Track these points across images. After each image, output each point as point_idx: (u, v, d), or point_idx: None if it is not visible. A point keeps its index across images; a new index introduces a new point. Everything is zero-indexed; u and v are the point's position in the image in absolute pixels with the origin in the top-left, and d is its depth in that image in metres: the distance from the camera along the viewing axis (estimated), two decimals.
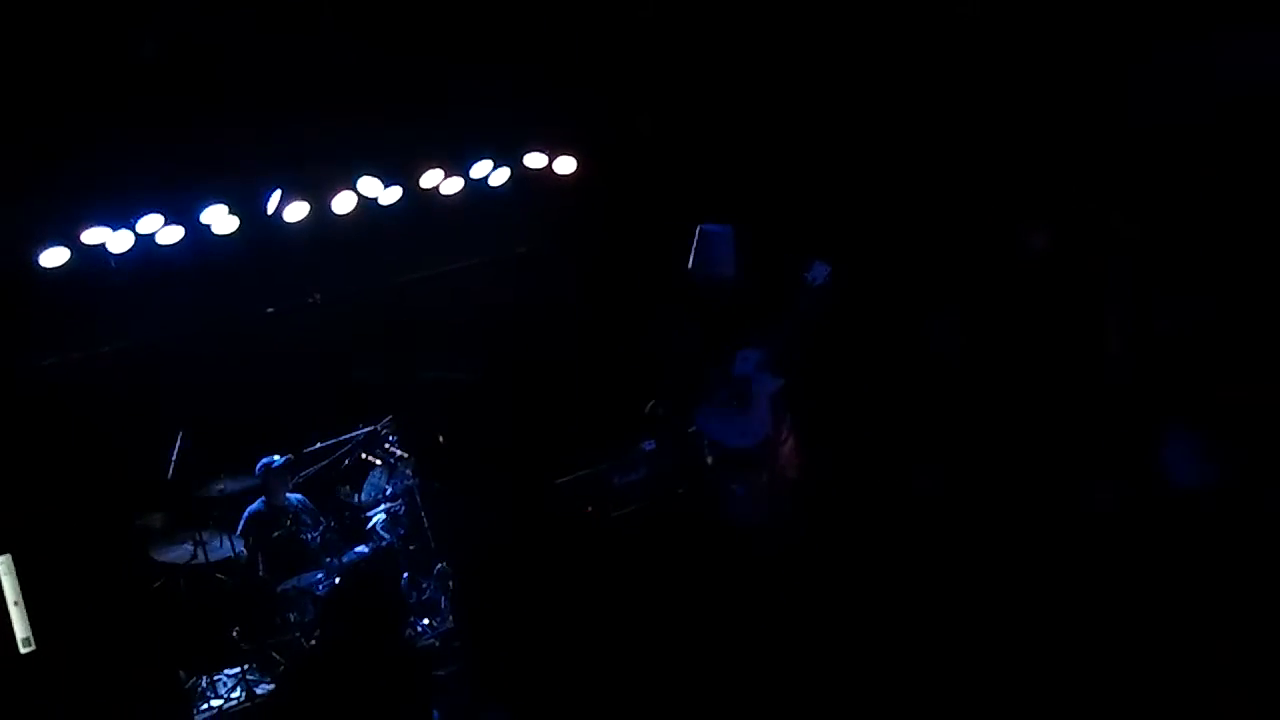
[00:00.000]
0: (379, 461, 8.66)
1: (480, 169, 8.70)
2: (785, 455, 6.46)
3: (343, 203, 8.28)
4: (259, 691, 7.64)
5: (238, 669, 7.86)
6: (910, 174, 8.02)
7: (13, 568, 6.59)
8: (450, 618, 8.08)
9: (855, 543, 6.29)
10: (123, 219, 7.65)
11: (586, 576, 6.72)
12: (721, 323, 6.34)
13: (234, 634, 7.97)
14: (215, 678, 7.95)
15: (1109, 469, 6.23)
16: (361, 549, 8.40)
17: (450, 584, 8.22)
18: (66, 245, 7.55)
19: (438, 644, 7.82)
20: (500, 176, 8.81)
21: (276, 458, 8.46)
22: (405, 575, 8.34)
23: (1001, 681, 4.65)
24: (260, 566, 8.18)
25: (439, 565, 8.43)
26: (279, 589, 8.05)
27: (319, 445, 8.58)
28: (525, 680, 6.00)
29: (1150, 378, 6.46)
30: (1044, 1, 7.32)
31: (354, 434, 8.62)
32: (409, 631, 8.07)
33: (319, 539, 8.26)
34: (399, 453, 8.56)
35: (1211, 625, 4.59)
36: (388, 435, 8.59)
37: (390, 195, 8.45)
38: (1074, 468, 6.43)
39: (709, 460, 6.63)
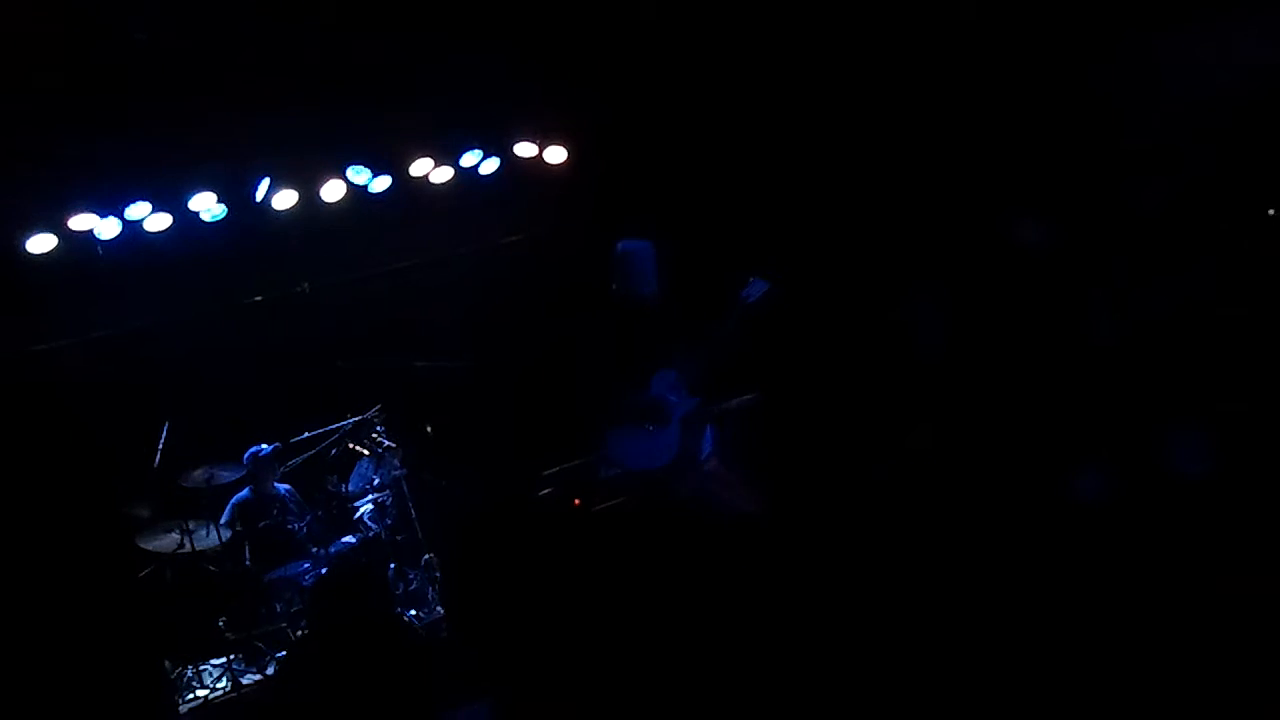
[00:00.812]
0: (367, 451, 8.63)
1: (470, 158, 8.68)
2: (709, 476, 6.35)
3: (332, 191, 8.25)
4: (245, 681, 7.61)
5: (223, 659, 7.83)
6: (892, 166, 8.04)
7: None
8: (438, 608, 8.06)
9: (829, 535, 6.29)
10: (111, 206, 7.63)
11: (573, 568, 6.70)
12: (641, 341, 6.23)
13: (220, 624, 7.94)
14: (201, 667, 7.91)
15: (1099, 459, 6.24)
16: (349, 539, 8.37)
17: (437, 575, 8.21)
18: (54, 232, 7.52)
19: (424, 634, 7.80)
20: (490, 166, 8.79)
21: (264, 447, 8.42)
22: (392, 566, 8.32)
23: (988, 676, 4.64)
24: (247, 556, 8.15)
25: (426, 556, 8.41)
26: (265, 579, 8.02)
27: (306, 435, 8.54)
28: (511, 671, 5.98)
29: (1145, 369, 6.47)
30: None
31: (342, 424, 8.59)
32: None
33: (306, 529, 8.22)
34: (387, 443, 8.53)
35: (1210, 620, 4.59)
36: (376, 425, 8.56)
37: (380, 184, 8.43)
38: (1060, 458, 6.44)
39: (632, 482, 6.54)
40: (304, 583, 7.96)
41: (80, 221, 7.54)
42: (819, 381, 7.84)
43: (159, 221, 7.79)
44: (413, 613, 8.15)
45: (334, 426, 8.60)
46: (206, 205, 7.86)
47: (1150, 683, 4.32)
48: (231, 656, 7.78)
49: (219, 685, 7.71)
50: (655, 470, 6.22)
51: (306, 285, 8.52)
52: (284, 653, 7.74)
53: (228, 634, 7.92)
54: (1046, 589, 5.18)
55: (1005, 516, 6.02)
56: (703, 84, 8.31)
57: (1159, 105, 7.01)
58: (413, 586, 8.35)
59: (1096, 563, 5.32)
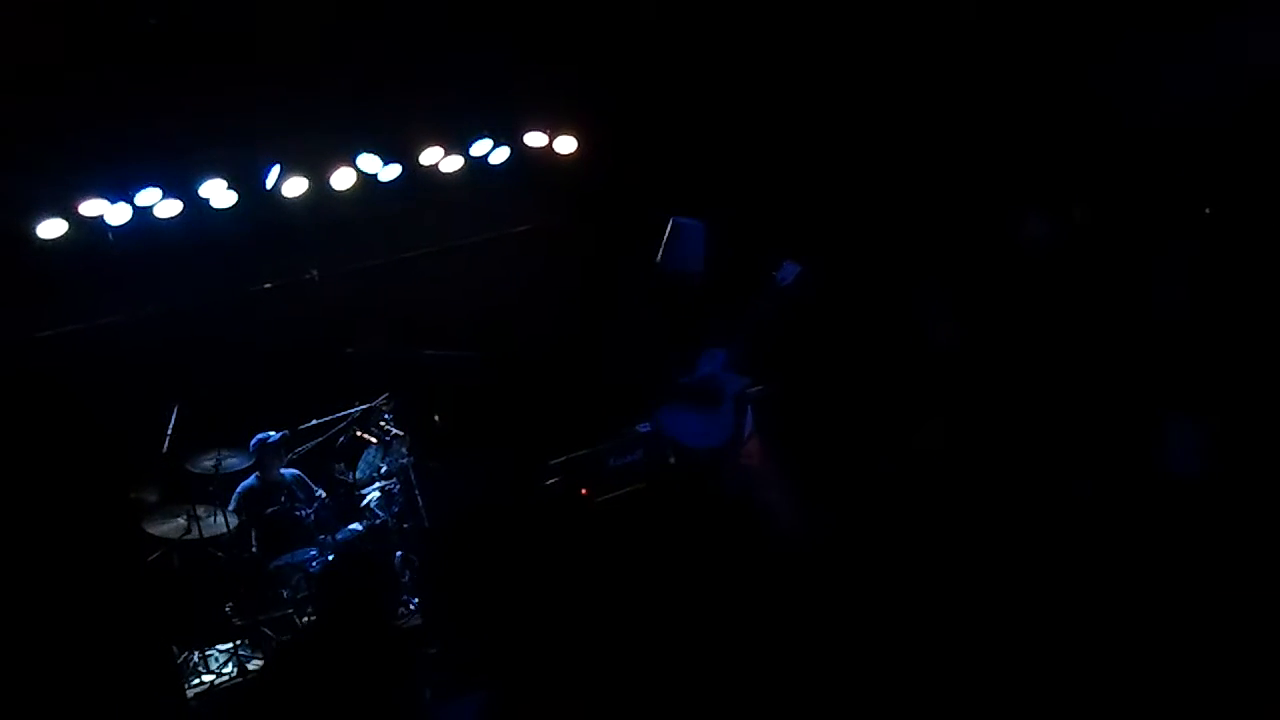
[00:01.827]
0: (374, 439, 8.64)
1: (480, 147, 8.68)
2: (747, 455, 6.38)
3: (342, 179, 8.25)
4: (250, 667, 7.64)
5: (229, 645, 7.86)
6: (900, 163, 8.03)
7: None
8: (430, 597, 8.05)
9: (840, 530, 6.29)
10: (121, 191, 7.63)
11: (579, 558, 6.71)
12: (689, 320, 6.24)
13: (227, 609, 7.96)
14: (207, 653, 7.94)
15: (1098, 458, 6.23)
16: (355, 526, 8.38)
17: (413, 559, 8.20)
18: (64, 217, 7.54)
19: (424, 622, 7.81)
20: (500, 155, 8.79)
21: (271, 434, 8.44)
22: (399, 554, 8.33)
23: (991, 672, 4.64)
24: (253, 542, 8.18)
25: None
26: (272, 565, 8.04)
27: (314, 422, 8.56)
28: (507, 663, 5.99)
29: (1148, 366, 6.46)
30: None
31: (350, 411, 8.60)
32: (401, 610, 8.09)
33: (313, 516, 8.24)
34: (394, 431, 8.53)
35: (1207, 615, 4.59)
36: (383, 413, 8.57)
37: (390, 172, 8.43)
38: (1063, 456, 6.43)
39: (671, 460, 6.57)
40: (310, 569, 7.98)
41: (91, 207, 7.55)
42: (832, 374, 7.83)
43: (169, 208, 7.80)
44: (418, 600, 8.16)
45: (342, 414, 8.61)
46: (217, 192, 7.86)
47: (1150, 681, 4.31)
48: (238, 642, 7.80)
49: (225, 670, 7.74)
50: (712, 449, 6.24)
51: (315, 273, 8.52)
52: (288, 638, 7.77)
53: (234, 620, 7.95)
54: (1048, 586, 5.18)
55: (1010, 514, 6.01)
56: (714, 73, 8.29)
57: (1158, 104, 7.00)
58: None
59: (1098, 561, 5.31)
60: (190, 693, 7.55)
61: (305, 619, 7.93)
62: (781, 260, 6.36)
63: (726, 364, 6.25)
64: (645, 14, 7.80)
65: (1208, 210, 6.88)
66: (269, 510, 8.23)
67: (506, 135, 8.77)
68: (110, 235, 7.72)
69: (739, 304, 6.32)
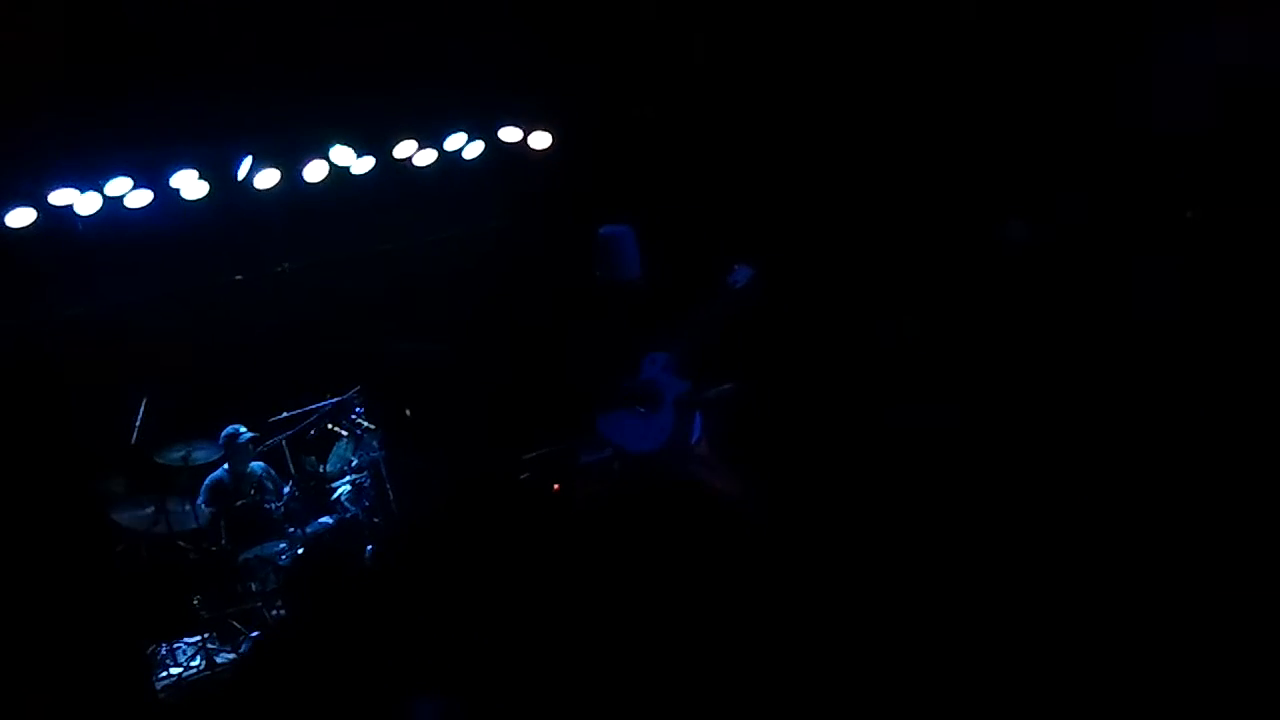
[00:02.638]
0: (345, 433, 8.62)
1: (454, 141, 8.67)
2: (700, 461, 6.42)
3: (314, 171, 8.23)
4: (219, 660, 7.61)
5: (198, 637, 7.82)
6: (875, 164, 8.07)
7: None
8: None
9: (814, 525, 6.32)
10: (91, 181, 7.58)
11: (550, 556, 6.71)
12: (628, 325, 6.28)
13: (195, 602, 7.93)
14: (175, 645, 7.91)
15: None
16: (325, 520, 8.36)
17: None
18: (33, 206, 7.48)
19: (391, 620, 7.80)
20: (474, 150, 8.78)
21: (241, 428, 8.41)
22: (369, 548, 8.32)
23: (985, 667, 4.67)
24: (222, 535, 8.14)
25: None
26: (241, 558, 8.02)
27: (285, 414, 8.54)
28: (481, 659, 5.98)
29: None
30: None
31: (321, 404, 8.58)
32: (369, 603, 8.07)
33: (282, 509, 8.22)
34: (366, 424, 8.52)
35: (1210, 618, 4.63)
36: (355, 406, 8.55)
37: (363, 165, 8.41)
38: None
39: (615, 467, 6.60)
40: (280, 562, 7.96)
41: (60, 196, 7.49)
42: (798, 371, 7.86)
43: (140, 198, 7.76)
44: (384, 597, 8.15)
45: (313, 407, 8.59)
46: (188, 183, 7.82)
47: (1150, 679, 4.34)
48: (206, 635, 7.77)
49: (193, 664, 7.70)
50: (650, 452, 6.27)
51: (287, 265, 8.50)
52: (258, 632, 7.75)
53: (202, 612, 7.92)
54: (1043, 586, 5.21)
55: (995, 510, 6.05)
56: (692, 69, 8.31)
57: (1141, 105, 7.06)
58: None
59: (1090, 561, 5.35)
60: (158, 685, 7.51)
61: (274, 612, 7.91)
62: (734, 264, 6.40)
63: (667, 367, 6.30)
64: (626, 7, 7.80)
65: (1189, 214, 6.95)
66: (238, 503, 8.21)
67: (481, 129, 8.76)
68: (80, 225, 7.66)
69: (683, 308, 6.34)
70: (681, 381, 6.29)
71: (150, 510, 7.84)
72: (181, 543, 8.00)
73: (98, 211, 7.65)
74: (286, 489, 8.44)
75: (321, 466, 8.68)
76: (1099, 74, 7.25)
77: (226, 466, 8.44)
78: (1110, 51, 7.19)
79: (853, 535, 6.06)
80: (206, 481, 8.38)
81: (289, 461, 8.74)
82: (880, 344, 7.72)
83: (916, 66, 7.85)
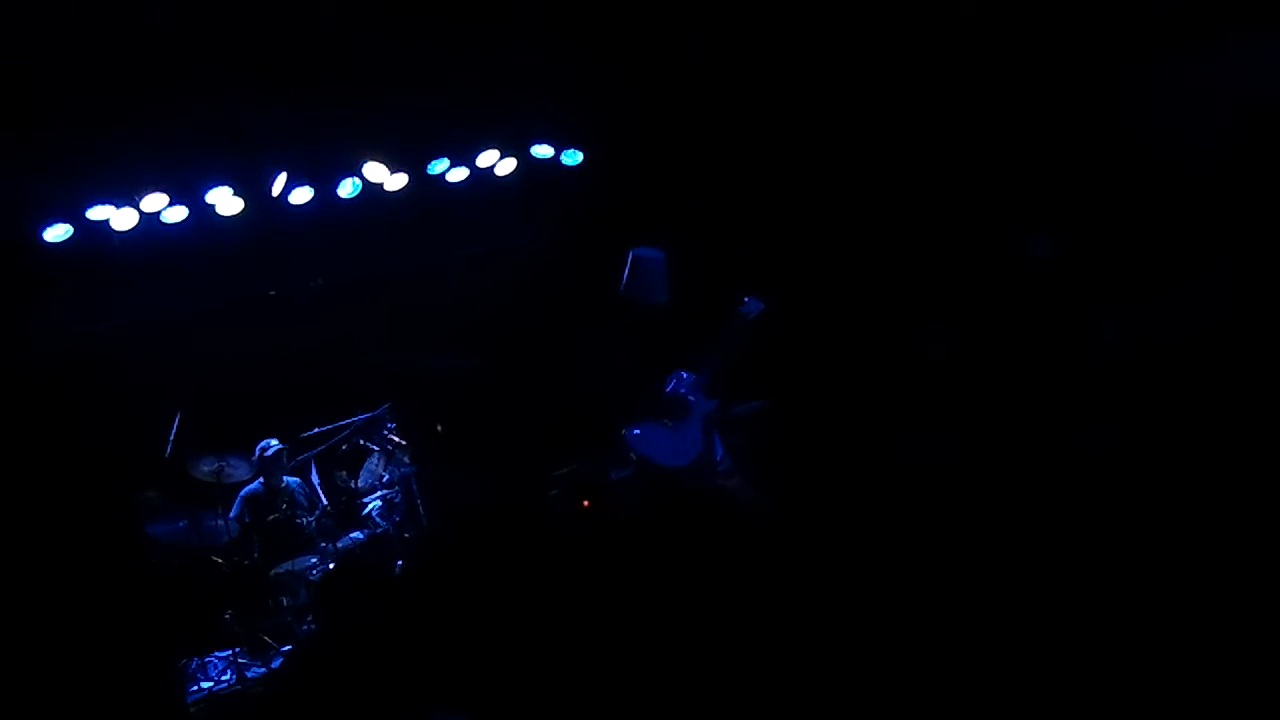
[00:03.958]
0: (376, 448, 8.64)
1: (487, 158, 8.69)
2: (726, 479, 6.46)
3: (348, 188, 8.27)
4: (250, 675, 7.63)
5: (229, 651, 7.84)
6: (896, 178, 8.04)
7: None
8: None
9: (837, 538, 6.29)
10: (127, 197, 7.65)
11: (579, 571, 6.70)
12: (655, 344, 6.34)
13: (226, 616, 7.96)
14: (206, 659, 7.93)
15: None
16: (357, 535, 8.38)
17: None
18: (70, 222, 7.56)
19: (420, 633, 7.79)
20: (507, 166, 8.80)
21: (273, 443, 8.45)
22: (399, 563, 8.33)
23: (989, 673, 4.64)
24: (255, 549, 8.18)
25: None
26: (273, 573, 8.04)
27: (317, 430, 8.56)
28: (503, 673, 5.97)
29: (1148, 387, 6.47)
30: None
31: (353, 420, 8.60)
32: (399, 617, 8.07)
33: (314, 523, 8.24)
34: (397, 440, 8.54)
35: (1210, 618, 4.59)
36: (386, 422, 8.57)
37: (396, 181, 8.44)
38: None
39: (643, 484, 6.63)
40: (311, 577, 7.97)
41: (97, 212, 7.57)
42: (825, 391, 7.84)
43: (175, 214, 7.82)
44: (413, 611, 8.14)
45: (345, 422, 8.62)
46: (223, 199, 7.88)
47: (1150, 678, 4.32)
48: (237, 649, 7.79)
49: (224, 678, 7.72)
50: (679, 468, 6.30)
51: (320, 280, 8.54)
52: (289, 647, 7.76)
53: (234, 627, 7.94)
54: (1044, 591, 5.18)
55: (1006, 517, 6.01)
56: (722, 92, 8.31)
57: (1164, 124, 7.02)
58: None
59: (1091, 569, 5.31)
60: (189, 699, 7.52)
61: (304, 627, 7.92)
62: (744, 297, 6.47)
63: (694, 386, 6.35)
64: (659, 27, 7.80)
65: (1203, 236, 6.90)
66: (270, 517, 8.24)
67: (514, 147, 8.79)
68: (116, 240, 7.73)
69: (708, 330, 6.40)
70: (709, 400, 6.32)
71: (184, 523, 7.87)
72: (214, 557, 8.03)
73: (134, 227, 7.72)
74: (320, 504, 8.48)
75: (353, 481, 8.70)
76: (1120, 93, 7.22)
77: (261, 480, 8.47)
78: (1130, 74, 7.17)
79: (876, 550, 6.04)
80: (241, 494, 8.42)
81: (316, 475, 8.77)
82: (928, 356, 7.70)
83: (943, 94, 7.84)
